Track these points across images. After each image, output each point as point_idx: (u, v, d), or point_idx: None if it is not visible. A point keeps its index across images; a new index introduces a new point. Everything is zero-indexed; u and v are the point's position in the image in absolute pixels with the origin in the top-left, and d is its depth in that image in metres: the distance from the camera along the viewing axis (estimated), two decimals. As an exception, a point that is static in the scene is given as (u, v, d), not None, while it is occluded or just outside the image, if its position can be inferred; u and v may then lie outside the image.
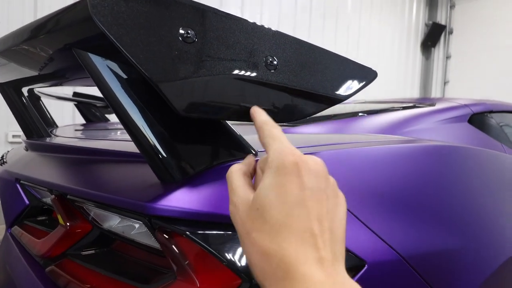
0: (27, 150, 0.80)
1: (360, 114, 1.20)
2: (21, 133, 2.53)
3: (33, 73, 0.62)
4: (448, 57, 7.22)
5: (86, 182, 0.48)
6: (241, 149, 0.43)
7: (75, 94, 1.69)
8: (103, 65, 0.37)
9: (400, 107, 1.34)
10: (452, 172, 0.62)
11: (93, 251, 0.51)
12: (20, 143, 2.88)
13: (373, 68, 0.44)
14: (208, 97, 0.33)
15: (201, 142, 0.41)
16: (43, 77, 0.65)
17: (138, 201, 0.37)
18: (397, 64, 6.61)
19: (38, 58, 0.49)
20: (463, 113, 1.37)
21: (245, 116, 0.35)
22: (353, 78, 0.41)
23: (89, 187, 0.45)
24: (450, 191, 0.58)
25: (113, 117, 1.83)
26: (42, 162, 0.65)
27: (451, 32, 7.20)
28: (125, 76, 0.37)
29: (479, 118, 1.45)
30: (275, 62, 0.35)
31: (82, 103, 1.67)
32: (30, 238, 0.59)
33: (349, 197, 0.44)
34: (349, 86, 0.41)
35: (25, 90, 0.81)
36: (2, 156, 0.92)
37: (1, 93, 0.76)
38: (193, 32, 0.31)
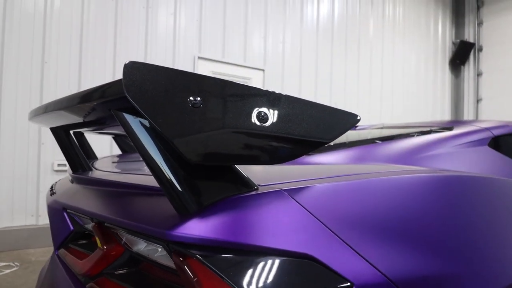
0: (72, 182, 0.94)
1: (376, 141, 1.23)
2: (66, 162, 2.78)
3: (79, 119, 0.75)
4: (479, 74, 7.00)
5: (119, 212, 0.58)
6: (245, 184, 0.52)
7: (112, 127, 1.89)
8: (134, 121, 0.48)
9: (416, 132, 1.37)
10: (448, 201, 0.66)
11: (125, 271, 0.60)
12: (64, 171, 3.14)
13: (356, 113, 0.52)
14: (212, 148, 0.42)
15: (211, 179, 0.50)
16: (87, 123, 0.79)
17: (159, 229, 0.46)
18: (424, 84, 6.50)
19: (81, 111, 0.62)
20: (482, 137, 1.36)
21: (244, 161, 0.44)
22: (336, 123, 0.49)
23: (121, 216, 0.56)
24: (445, 221, 0.62)
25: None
26: (85, 193, 0.77)
27: (480, 49, 7.02)
28: (150, 130, 0.48)
29: (501, 140, 1.43)
30: (266, 116, 0.44)
31: (119, 136, 1.85)
32: (73, 259, 0.70)
33: (340, 226, 0.51)
34: (332, 131, 0.49)
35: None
36: (52, 187, 1.07)
37: (53, 135, 0.92)
38: (199, 99, 0.41)
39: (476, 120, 1.70)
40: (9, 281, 2.35)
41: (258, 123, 0.44)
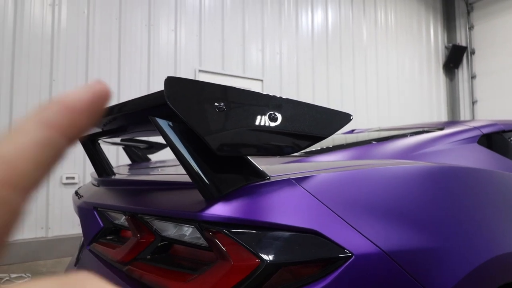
0: (98, 186, 1.04)
1: (373, 142, 1.33)
2: (74, 175, 2.91)
3: (108, 128, 0.86)
4: (473, 77, 7.17)
5: (152, 204, 0.68)
6: (259, 175, 0.62)
7: (123, 139, 1.99)
8: (165, 125, 0.58)
9: (410, 132, 1.47)
10: (435, 186, 0.76)
11: (156, 256, 0.70)
12: (72, 184, 3.22)
13: (353, 117, 0.62)
14: (234, 142, 0.52)
15: (231, 171, 0.60)
16: (111, 131, 0.89)
17: (191, 212, 0.56)
18: (420, 88, 6.65)
19: (109, 120, 0.72)
20: (472, 135, 1.47)
21: (259, 152, 0.54)
22: (332, 121, 0.60)
23: (155, 207, 0.65)
24: (434, 203, 0.72)
25: (154, 157, 2.10)
26: (113, 193, 0.87)
27: (473, 53, 7.20)
28: (179, 130, 0.58)
29: (489, 138, 1.53)
30: (275, 116, 0.55)
31: (129, 146, 1.96)
32: (107, 249, 0.80)
33: (342, 208, 0.61)
34: (329, 127, 0.59)
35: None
36: (77, 192, 1.17)
37: (81, 144, 1.02)
38: (223, 104, 0.51)
39: (467, 120, 1.81)
40: (23, 292, 2.42)
41: (269, 122, 0.54)
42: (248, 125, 0.53)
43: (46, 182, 2.24)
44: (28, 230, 3.14)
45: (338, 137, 1.77)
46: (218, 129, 0.51)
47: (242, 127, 0.53)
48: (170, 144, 0.57)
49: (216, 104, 0.52)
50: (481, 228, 0.76)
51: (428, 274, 0.63)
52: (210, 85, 0.52)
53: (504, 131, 1.65)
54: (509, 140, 1.64)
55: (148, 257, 0.70)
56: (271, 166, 0.74)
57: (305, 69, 5.02)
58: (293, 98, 0.58)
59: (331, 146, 1.31)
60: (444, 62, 7.18)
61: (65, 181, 3.23)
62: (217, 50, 4.28)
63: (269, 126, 0.54)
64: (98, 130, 0.90)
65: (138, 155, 2.06)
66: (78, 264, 0.93)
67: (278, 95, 0.56)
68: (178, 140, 0.58)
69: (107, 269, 0.75)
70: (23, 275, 2.73)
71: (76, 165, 3.28)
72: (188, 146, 0.57)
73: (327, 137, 0.59)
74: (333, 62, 5.32)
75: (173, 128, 0.58)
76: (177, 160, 0.60)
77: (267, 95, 0.55)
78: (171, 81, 0.49)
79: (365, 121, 5.46)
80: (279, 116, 0.56)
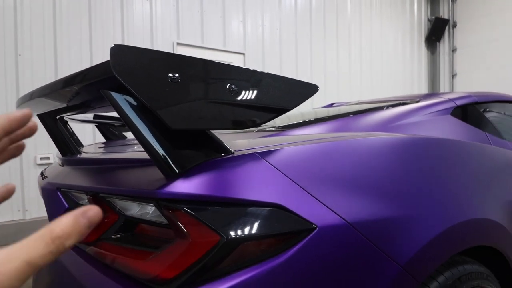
0: (62, 165, 0.99)
1: (350, 115, 1.32)
2: (48, 155, 2.82)
3: (65, 104, 0.80)
4: (453, 50, 7.22)
5: (113, 183, 0.65)
6: (223, 150, 0.60)
7: (96, 116, 1.91)
8: (121, 99, 0.54)
9: (386, 105, 1.47)
10: (400, 157, 0.76)
11: (120, 235, 0.68)
12: (47, 164, 3.13)
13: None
14: (189, 116, 0.49)
15: (193, 146, 0.57)
16: (73, 107, 0.84)
17: (150, 190, 0.54)
18: (403, 60, 6.67)
19: (67, 95, 0.67)
20: (446, 107, 1.48)
21: (218, 126, 0.51)
22: (297, 93, 0.57)
23: (115, 185, 0.63)
24: (395, 173, 0.72)
25: (129, 135, 2.04)
26: (77, 173, 0.83)
27: (455, 26, 7.21)
28: (135, 105, 0.54)
29: (462, 110, 1.56)
30: (235, 88, 0.52)
31: (102, 124, 1.88)
32: (72, 231, 0.77)
33: (307, 181, 0.59)
34: (295, 99, 0.57)
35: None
36: (42, 173, 1.11)
37: (41, 122, 0.96)
38: (177, 75, 0.48)
39: (443, 92, 1.83)
40: (3, 273, 2.38)
41: (228, 94, 0.51)
42: (204, 97, 0.50)
43: (19, 163, 2.15)
44: (4, 213, 3.06)
45: (318, 111, 1.75)
46: (172, 102, 0.48)
47: (198, 100, 0.49)
48: (124, 118, 0.53)
49: (169, 75, 0.48)
50: (447, 196, 0.77)
51: (392, 242, 0.64)
52: (162, 54, 0.48)
53: (477, 103, 1.68)
54: (482, 111, 1.68)
55: (113, 236, 0.68)
56: (238, 141, 0.72)
57: (288, 42, 4.91)
58: (254, 68, 0.55)
59: (308, 120, 1.30)
60: (426, 35, 7.18)
61: (39, 161, 3.12)
62: (196, 21, 4.10)
63: (228, 99, 0.51)
64: (59, 106, 0.84)
65: (114, 133, 1.99)
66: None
67: (244, 66, 0.53)
68: (134, 114, 0.54)
69: (71, 250, 0.73)
70: (2, 257, 2.69)
71: (50, 145, 3.16)
72: (144, 121, 0.54)
73: (291, 109, 0.57)
74: (316, 36, 5.21)
75: (127, 101, 0.54)
76: None
77: (225, 64, 0.52)
78: (118, 50, 0.45)
79: (348, 93, 5.47)
80: (240, 88, 0.52)
